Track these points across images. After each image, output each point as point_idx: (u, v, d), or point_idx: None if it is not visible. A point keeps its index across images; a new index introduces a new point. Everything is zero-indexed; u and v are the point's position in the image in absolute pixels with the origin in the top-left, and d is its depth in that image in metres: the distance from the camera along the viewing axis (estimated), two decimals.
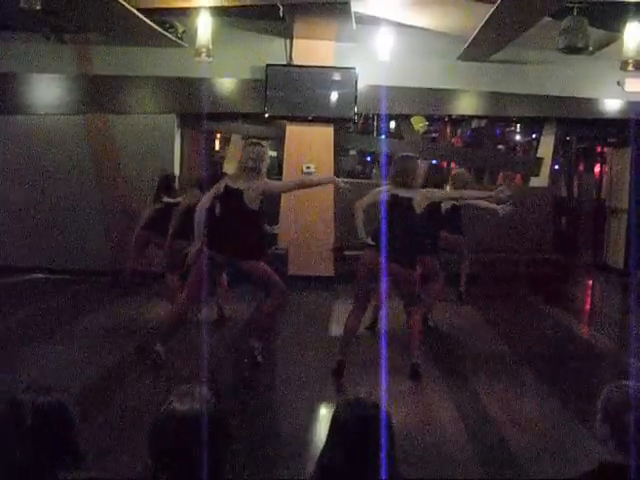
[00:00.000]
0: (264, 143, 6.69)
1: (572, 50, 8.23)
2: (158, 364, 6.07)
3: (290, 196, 10.91)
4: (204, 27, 8.79)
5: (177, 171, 10.88)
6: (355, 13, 9.16)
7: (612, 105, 11.21)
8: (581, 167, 15.26)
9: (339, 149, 11.67)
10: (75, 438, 2.18)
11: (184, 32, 9.90)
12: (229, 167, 11.95)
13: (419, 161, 6.65)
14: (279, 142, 11.64)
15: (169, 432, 2.01)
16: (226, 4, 8.83)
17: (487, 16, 8.01)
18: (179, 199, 7.92)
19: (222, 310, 8.09)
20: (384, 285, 6.06)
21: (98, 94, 10.65)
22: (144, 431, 2.12)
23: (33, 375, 5.61)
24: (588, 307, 11.01)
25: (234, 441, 2.17)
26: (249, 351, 6.33)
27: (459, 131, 14.01)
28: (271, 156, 12.65)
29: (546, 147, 12.17)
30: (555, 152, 12.31)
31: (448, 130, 13.99)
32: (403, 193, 6.04)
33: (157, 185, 8.67)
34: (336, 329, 7.40)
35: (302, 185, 7.48)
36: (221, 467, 2.06)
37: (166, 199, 8.39)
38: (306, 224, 10.89)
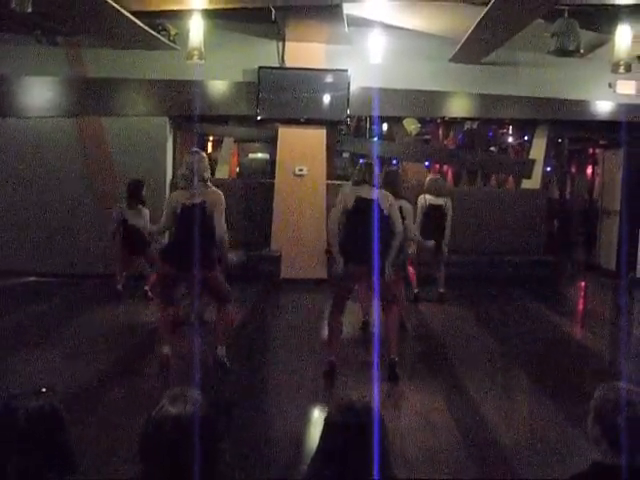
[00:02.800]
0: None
1: (563, 52, 8.27)
2: (166, 365, 6.10)
3: (282, 199, 10.94)
4: (196, 30, 8.80)
5: (170, 174, 10.90)
6: (347, 15, 9.18)
7: (604, 107, 11.26)
8: (573, 169, 15.32)
9: (332, 151, 11.67)
10: (68, 442, 2.17)
11: (176, 35, 9.90)
12: (221, 170, 11.96)
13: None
14: (272, 144, 11.64)
15: (161, 434, 2.00)
16: (218, 7, 8.83)
17: (479, 18, 8.04)
18: None
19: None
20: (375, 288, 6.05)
21: (91, 97, 10.62)
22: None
23: (27, 377, 5.61)
24: (580, 308, 11.03)
25: (225, 442, 2.16)
26: (218, 359, 6.17)
27: (451, 133, 14.02)
28: (263, 159, 12.73)
29: (538, 149, 12.20)
30: (547, 154, 12.34)
31: (440, 132, 13.99)
32: (367, 194, 6.01)
33: (128, 192, 8.92)
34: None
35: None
36: (213, 469, 2.06)
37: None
38: (299, 227, 10.89)
